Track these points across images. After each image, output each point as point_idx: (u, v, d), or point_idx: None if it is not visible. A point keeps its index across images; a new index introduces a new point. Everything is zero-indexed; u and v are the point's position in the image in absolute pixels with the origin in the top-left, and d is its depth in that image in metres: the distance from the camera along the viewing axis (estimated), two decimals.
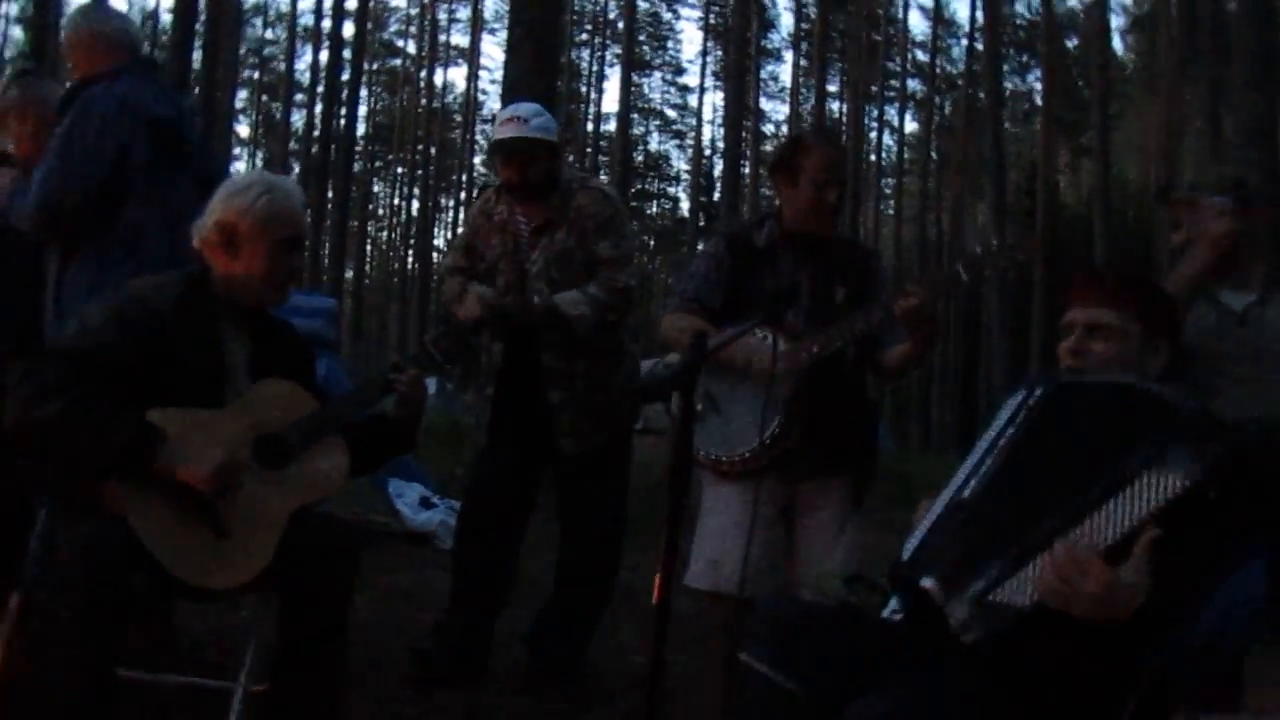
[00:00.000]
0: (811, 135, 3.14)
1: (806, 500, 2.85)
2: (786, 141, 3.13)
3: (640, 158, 41.09)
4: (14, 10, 31.43)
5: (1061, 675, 1.58)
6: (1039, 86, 30.71)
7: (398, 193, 44.13)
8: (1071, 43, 33.85)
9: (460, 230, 3.57)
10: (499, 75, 36.80)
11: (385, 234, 46.07)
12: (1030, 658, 1.56)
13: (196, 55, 18.61)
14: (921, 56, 36.59)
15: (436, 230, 39.86)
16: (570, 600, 3.33)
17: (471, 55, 38.98)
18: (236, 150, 37.66)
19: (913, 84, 37.34)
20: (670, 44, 41.62)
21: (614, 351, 3.31)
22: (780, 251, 2.90)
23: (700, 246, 3.40)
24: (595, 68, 39.53)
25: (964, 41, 34.04)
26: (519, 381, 3.25)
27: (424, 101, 39.91)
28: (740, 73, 22.38)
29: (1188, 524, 1.50)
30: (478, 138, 38.33)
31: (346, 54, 28.24)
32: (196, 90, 17.95)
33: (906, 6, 35.71)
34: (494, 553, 3.31)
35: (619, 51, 36.16)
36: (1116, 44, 34.98)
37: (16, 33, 31.56)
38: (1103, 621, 1.47)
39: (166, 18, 27.77)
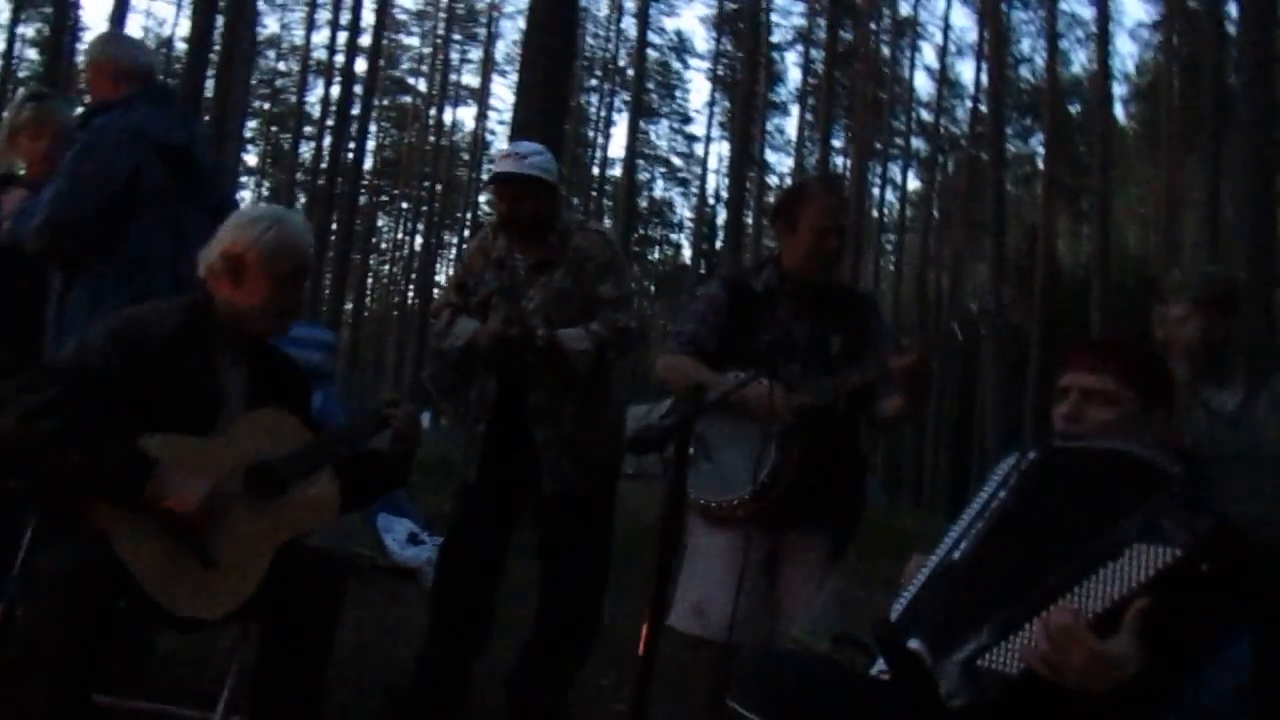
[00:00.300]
0: (814, 183, 3.16)
1: (790, 549, 2.84)
2: (789, 188, 3.15)
3: (644, 203, 41.36)
4: (30, 33, 31.81)
5: None
6: (1041, 150, 31.09)
7: (401, 227, 44.38)
8: (1074, 108, 34.27)
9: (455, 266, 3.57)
10: (508, 116, 37.07)
11: (387, 268, 46.26)
12: None
13: (209, 84, 18.80)
14: (926, 116, 37.04)
15: (439, 266, 39.97)
16: (550, 644, 3.28)
17: (481, 95, 39.44)
18: (244, 179, 37.90)
19: (916, 142, 37.74)
20: (678, 93, 42.01)
21: (602, 393, 3.29)
22: (778, 298, 2.91)
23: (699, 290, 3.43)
24: (603, 113, 39.92)
25: (968, 103, 34.51)
26: (509, 419, 3.23)
27: (432, 138, 40.25)
28: (746, 124, 22.62)
29: (1178, 597, 1.48)
30: (484, 176, 38.59)
31: (358, 89, 28.56)
32: (207, 118, 18.10)
33: (913, 66, 36.25)
34: (473, 591, 3.28)
35: (627, 98, 36.53)
36: (1119, 111, 35.43)
37: (31, 54, 31.92)
38: (1091, 693, 1.46)
39: (181, 46, 28.16)
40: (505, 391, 3.23)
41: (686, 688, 2.91)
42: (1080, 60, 34.21)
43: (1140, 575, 1.49)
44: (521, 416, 3.20)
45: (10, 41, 31.36)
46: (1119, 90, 33.83)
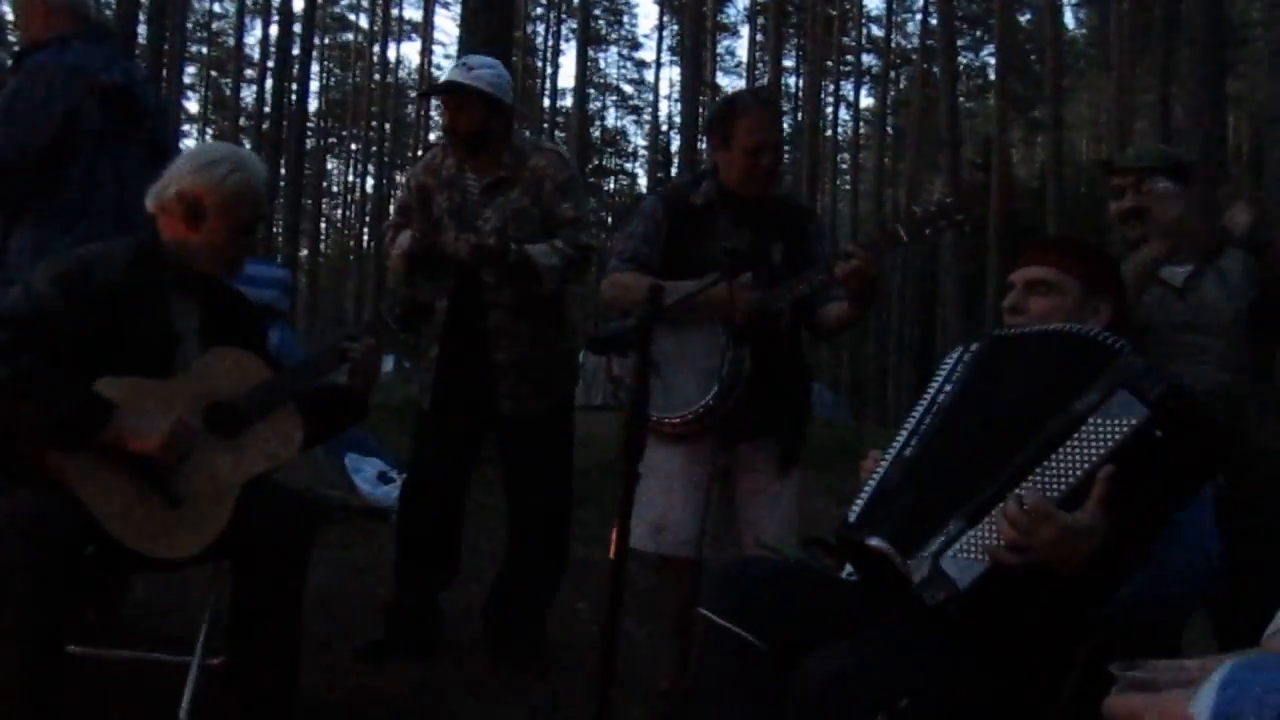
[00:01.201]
0: (746, 96, 3.05)
1: (743, 461, 2.87)
2: (720, 102, 3.09)
3: (597, 134, 40.95)
4: None
5: (1018, 624, 1.60)
6: (993, 61, 31.01)
7: (352, 170, 43.67)
8: (1025, 18, 34.14)
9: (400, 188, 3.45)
10: (453, 50, 36.39)
11: (340, 211, 45.57)
12: (989, 609, 1.57)
13: (142, 30, 18.21)
14: (877, 32, 36.77)
15: (392, 207, 39.45)
16: (522, 571, 3.30)
17: (425, 29, 38.63)
18: (186, 126, 36.99)
19: (868, 59, 37.51)
20: (626, 19, 41.52)
21: (558, 317, 3.26)
22: (718, 211, 2.89)
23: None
24: (551, 43, 39.34)
25: (919, 17, 34.25)
26: (463, 343, 3.18)
27: (377, 77, 39.41)
28: (697, 48, 22.32)
29: (1138, 464, 1.50)
30: (433, 114, 37.91)
31: (297, 28, 27.78)
32: (144, 65, 17.56)
33: None
34: (439, 523, 3.28)
35: (575, 26, 35.89)
36: (1069, 19, 35.35)
37: None
38: (1061, 566, 1.49)
39: None
40: (459, 314, 3.17)
41: (655, 606, 2.96)
42: None
43: (1101, 447, 1.52)
44: (477, 339, 3.16)
45: None
46: None
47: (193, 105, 38.98)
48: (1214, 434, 1.67)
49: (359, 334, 2.45)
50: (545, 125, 38.39)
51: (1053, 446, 1.56)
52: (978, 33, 34.89)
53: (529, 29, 36.80)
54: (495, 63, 3.26)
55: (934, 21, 28.63)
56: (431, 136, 36.63)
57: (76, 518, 1.94)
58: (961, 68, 30.55)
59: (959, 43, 28.68)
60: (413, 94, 40.37)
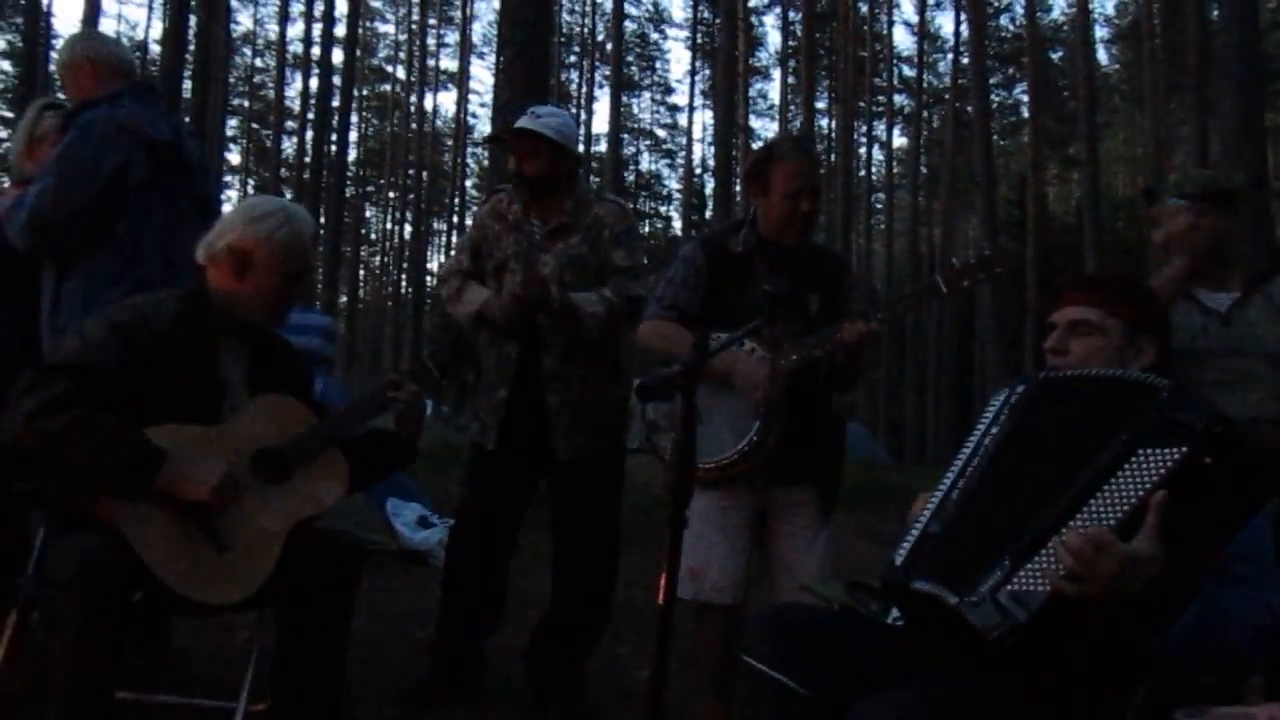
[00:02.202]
0: (784, 143, 3.08)
1: (779, 506, 2.85)
2: (759, 149, 3.10)
3: (631, 177, 41.25)
4: (2, 44, 31.55)
5: (1074, 665, 1.58)
6: (1025, 99, 30.96)
7: (390, 217, 44.24)
8: (1057, 55, 34.12)
9: (464, 233, 3.50)
10: (489, 98, 36.95)
11: (378, 259, 46.14)
12: (1049, 642, 1.55)
13: (186, 84, 18.67)
14: (908, 72, 36.88)
15: (429, 254, 39.92)
16: (567, 616, 3.29)
17: (461, 79, 39.21)
18: (229, 178, 37.73)
19: (900, 99, 37.60)
20: (658, 64, 41.94)
21: (611, 364, 3.29)
22: (756, 259, 2.89)
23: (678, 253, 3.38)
24: (585, 89, 39.71)
25: (949, 56, 34.34)
26: (522, 385, 3.21)
27: (414, 126, 40.04)
28: (729, 91, 22.47)
29: (1189, 492, 1.51)
30: (469, 161, 38.48)
31: (336, 80, 28.39)
32: (187, 119, 18.00)
33: (891, 22, 36.03)
34: (487, 568, 3.28)
35: (608, 73, 36.32)
36: (1102, 55, 35.29)
37: (5, 66, 31.67)
38: (1121, 595, 1.47)
39: (156, 48, 27.98)
40: (522, 357, 3.20)
41: (698, 653, 2.93)
42: (1060, 5, 34.10)
43: (1152, 476, 1.52)
44: (534, 382, 3.18)
45: None
46: (1100, 33, 33.68)
47: (235, 157, 39.76)
48: (1260, 458, 1.71)
49: (402, 380, 2.47)
50: (580, 170, 38.72)
51: (1104, 479, 1.57)
52: (1010, 70, 34.90)
53: (563, 76, 37.28)
54: (562, 112, 3.35)
55: (965, 60, 28.71)
56: (468, 184, 37.12)
57: (127, 563, 1.97)
58: (994, 106, 30.54)
59: (991, 81, 28.71)
60: (449, 142, 40.98)
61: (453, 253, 3.66)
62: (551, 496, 3.36)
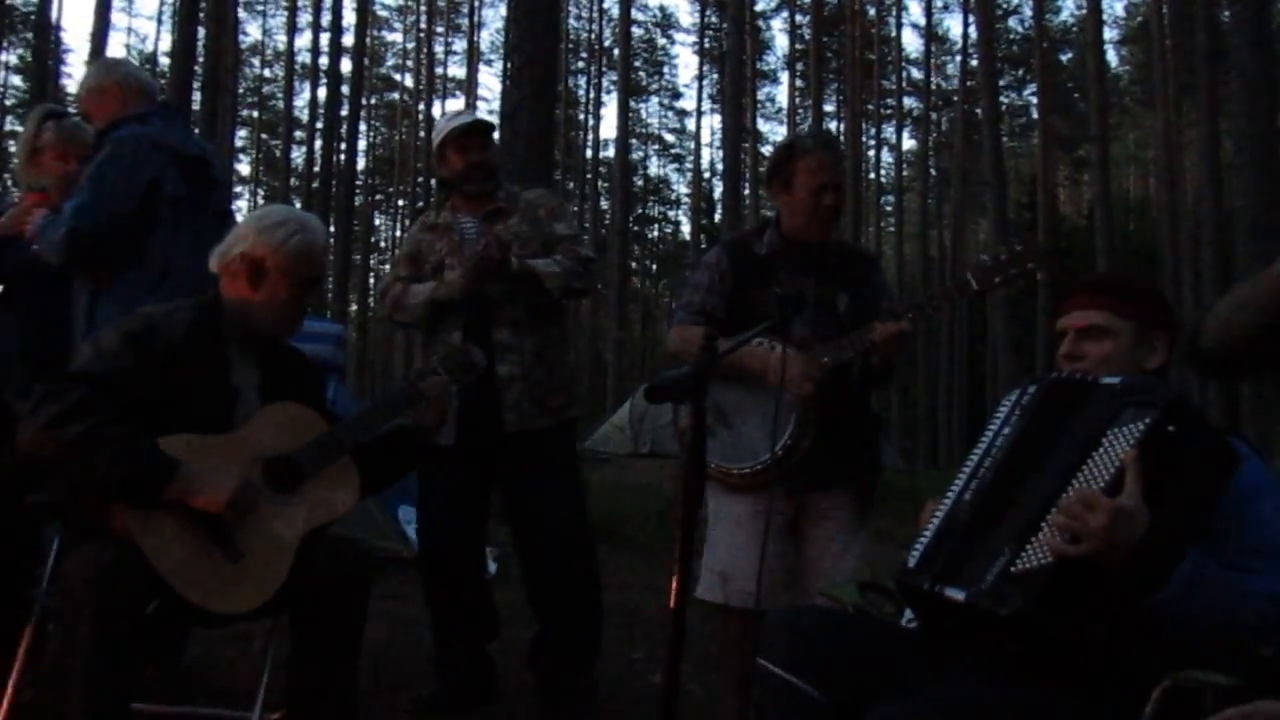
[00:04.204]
0: (805, 139, 3.06)
1: (813, 511, 2.84)
2: (780, 147, 3.09)
3: (640, 182, 41.26)
4: (13, 59, 31.78)
5: (1088, 655, 1.59)
6: (1035, 101, 30.86)
7: (399, 225, 44.29)
8: (1066, 56, 34.02)
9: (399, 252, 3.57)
10: (496, 105, 37.03)
11: (388, 267, 46.23)
12: (1059, 611, 1.57)
13: (196, 96, 18.74)
14: (916, 74, 36.83)
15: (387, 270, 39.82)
16: (554, 628, 3.23)
17: (469, 87, 39.26)
18: (238, 188, 37.88)
19: (909, 101, 37.56)
20: (666, 69, 42.01)
21: (561, 337, 3.37)
22: (781, 260, 2.89)
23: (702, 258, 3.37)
24: (592, 95, 39.75)
25: (958, 58, 34.28)
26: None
27: (423, 134, 40.12)
28: (737, 95, 22.42)
29: (1160, 455, 1.59)
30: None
31: (345, 90, 28.43)
32: (197, 130, 18.08)
33: (899, 25, 36.03)
34: (461, 576, 3.27)
35: (615, 78, 36.37)
36: (1112, 57, 35.17)
37: (16, 81, 31.90)
38: (1114, 553, 1.52)
39: (165, 61, 28.11)
40: (468, 338, 3.13)
41: (718, 657, 2.92)
42: (1069, 6, 34.02)
43: (1125, 447, 1.61)
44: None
45: None
46: (1110, 34, 33.56)
47: (244, 167, 39.90)
48: (1222, 431, 1.75)
49: (429, 372, 2.50)
50: (589, 176, 38.80)
51: (1081, 460, 1.66)
52: (1019, 72, 34.84)
53: (570, 82, 37.35)
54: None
55: (974, 62, 28.64)
56: None
57: (141, 573, 1.97)
58: (1004, 108, 30.47)
59: (1000, 83, 28.64)
60: None
61: (386, 270, 3.70)
62: (504, 483, 3.27)
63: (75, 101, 3.44)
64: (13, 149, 26.43)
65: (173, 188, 2.94)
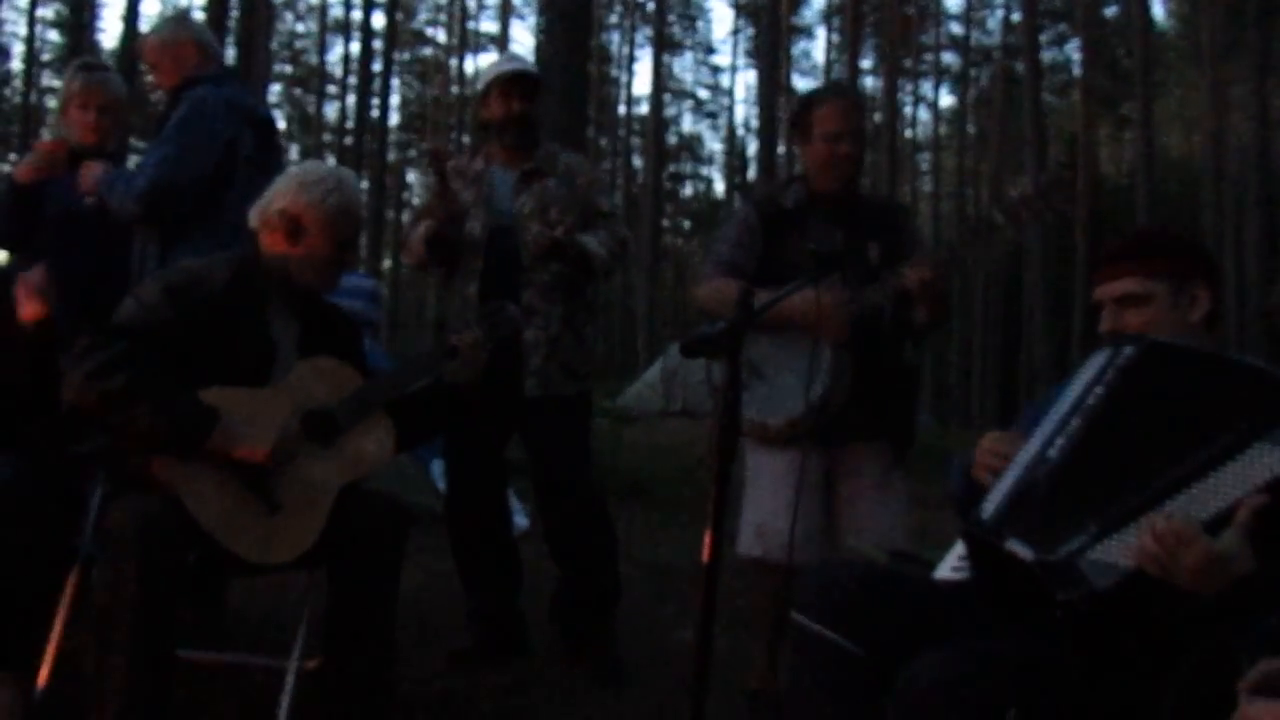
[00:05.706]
0: (824, 89, 3.06)
1: (848, 464, 2.83)
2: (800, 97, 3.08)
3: (674, 139, 40.95)
4: (50, 14, 31.92)
5: (1141, 639, 1.54)
6: (1077, 57, 30.22)
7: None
8: (1110, 11, 33.22)
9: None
10: (530, 60, 36.85)
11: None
12: (1119, 616, 1.52)
13: (230, 51, 18.78)
14: (956, 29, 36.13)
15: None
16: (574, 583, 3.27)
17: (502, 41, 38.95)
18: None
19: (948, 58, 36.88)
20: (701, 23, 41.64)
21: (588, 305, 3.30)
22: (809, 214, 2.87)
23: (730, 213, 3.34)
24: (626, 50, 39.38)
25: (1000, 13, 33.59)
26: None
27: (456, 89, 39.99)
28: (772, 50, 22.17)
29: None
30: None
31: (377, 44, 28.40)
32: None
33: None
34: (487, 528, 3.29)
35: (649, 33, 35.99)
36: (1158, 11, 34.33)
37: (53, 35, 32.08)
38: (1201, 593, 1.43)
39: (199, 15, 28.12)
40: (485, 292, 3.12)
41: (746, 613, 2.93)
42: None
43: (1262, 475, 1.47)
44: None
45: (31, 24, 31.52)
46: None
47: (278, 123, 40.01)
48: None
49: (464, 327, 2.51)
50: (621, 132, 38.55)
51: (1209, 469, 1.51)
52: (1061, 27, 34.07)
53: (604, 37, 37.00)
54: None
55: (1016, 17, 28.07)
56: None
57: (182, 524, 2.00)
58: (1045, 64, 29.84)
59: (1041, 38, 28.04)
60: None
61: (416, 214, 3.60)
62: (525, 442, 3.26)
63: (124, 55, 3.47)
64: (50, 104, 26.69)
65: (247, 147, 3.03)
